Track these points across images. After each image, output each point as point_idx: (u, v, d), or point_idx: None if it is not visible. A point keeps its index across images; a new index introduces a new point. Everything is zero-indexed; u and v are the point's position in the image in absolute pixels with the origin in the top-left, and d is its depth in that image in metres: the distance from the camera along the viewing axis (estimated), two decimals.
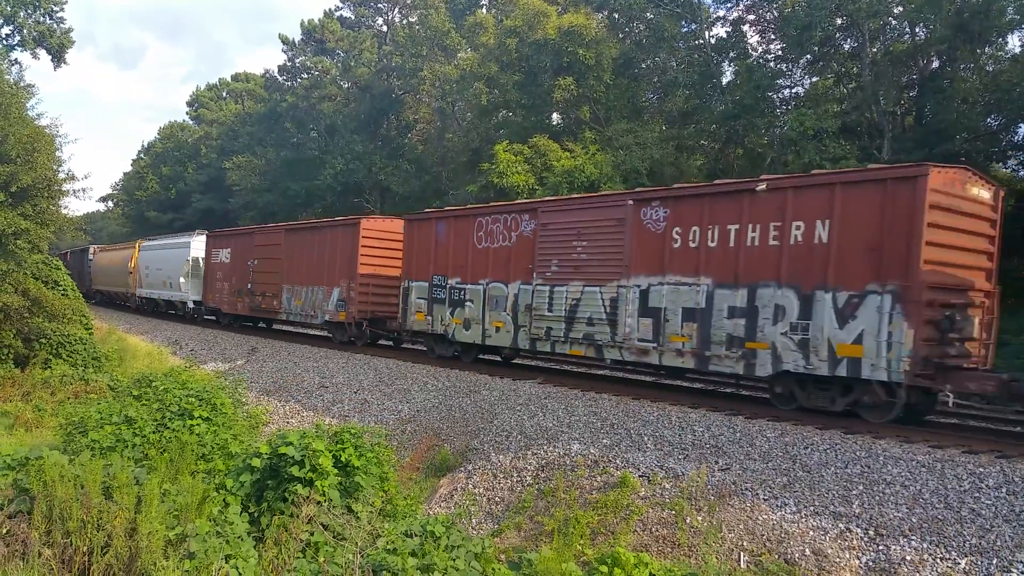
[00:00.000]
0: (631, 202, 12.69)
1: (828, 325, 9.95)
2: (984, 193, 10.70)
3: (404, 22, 44.86)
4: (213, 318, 28.11)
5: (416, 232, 17.35)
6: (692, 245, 11.60)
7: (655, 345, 12.04)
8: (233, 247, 25.91)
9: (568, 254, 13.62)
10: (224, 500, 7.11)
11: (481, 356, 16.71)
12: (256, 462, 7.54)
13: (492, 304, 15.10)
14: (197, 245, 28.75)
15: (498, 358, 17.00)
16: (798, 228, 10.35)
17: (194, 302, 28.78)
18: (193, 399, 9.86)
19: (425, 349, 17.98)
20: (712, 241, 11.33)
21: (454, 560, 6.60)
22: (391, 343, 20.23)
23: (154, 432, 9.18)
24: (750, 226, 10.88)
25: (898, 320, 9.34)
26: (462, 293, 15.84)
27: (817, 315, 10.05)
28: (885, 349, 9.45)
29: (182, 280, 29.24)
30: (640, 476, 9.15)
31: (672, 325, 11.78)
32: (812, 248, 10.18)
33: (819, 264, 10.10)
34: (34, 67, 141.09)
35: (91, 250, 42.97)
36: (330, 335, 21.38)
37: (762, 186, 10.79)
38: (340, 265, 19.89)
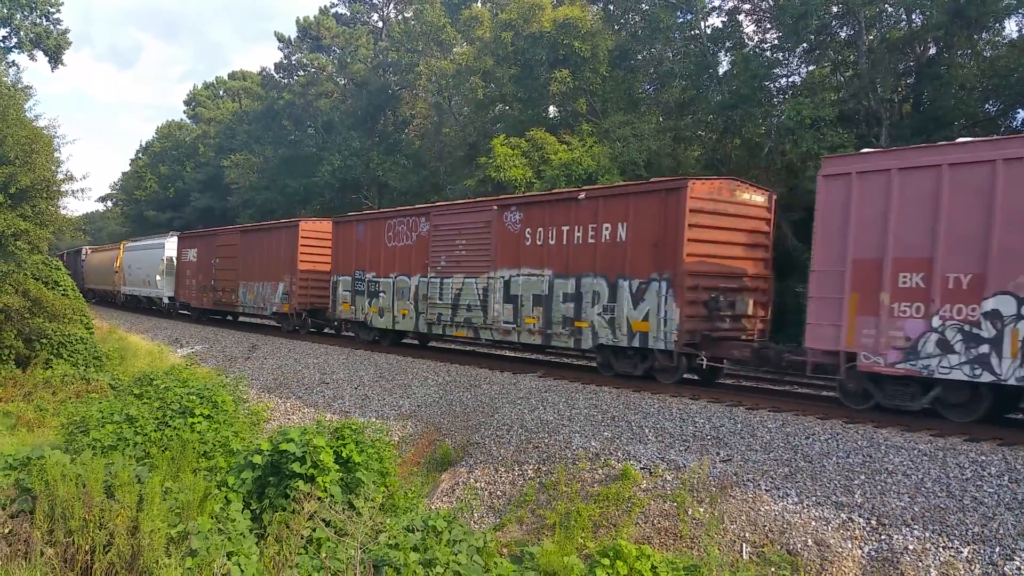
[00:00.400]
0: (496, 207, 15.21)
1: (626, 306, 12.52)
2: (757, 198, 13.00)
3: (399, 18, 44.68)
4: (187, 312, 30.40)
5: (342, 233, 19.95)
6: (539, 243, 14.14)
7: (514, 326, 14.56)
8: (199, 247, 28.56)
9: (453, 251, 16.10)
10: (226, 497, 7.11)
11: (404, 341, 19.34)
12: (257, 459, 7.54)
13: (399, 295, 17.70)
14: (170, 246, 31.40)
15: (416, 342, 19.50)
16: (607, 229, 12.95)
17: (168, 298, 31.48)
18: (194, 397, 9.86)
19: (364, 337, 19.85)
20: (552, 240, 13.90)
21: (456, 555, 6.61)
22: (333, 331, 22.30)
23: (155, 430, 9.19)
24: (576, 227, 13.46)
25: (670, 302, 11.87)
26: (377, 286, 18.49)
27: (620, 299, 12.62)
28: (663, 324, 11.98)
29: (158, 278, 32.02)
30: (641, 468, 9.15)
31: (526, 309, 14.35)
32: (616, 245, 12.75)
33: (620, 258, 12.65)
34: (31, 69, 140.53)
35: (83, 251, 45.14)
36: (279, 325, 23.70)
37: (583, 195, 13.48)
38: (284, 262, 22.57)
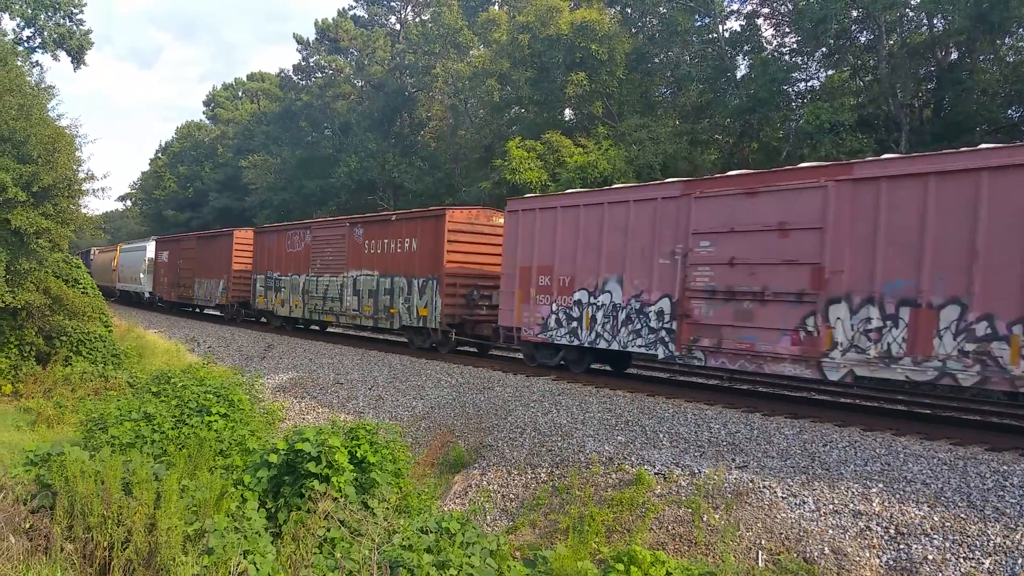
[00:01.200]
0: (348, 224, 20.37)
1: (416, 298, 17.46)
2: None
3: (417, 20, 44.85)
4: (161, 304, 35.77)
5: (260, 240, 25.23)
6: (373, 251, 19.11)
7: (358, 312, 19.54)
8: (170, 250, 34.07)
9: (324, 256, 21.21)
10: (242, 496, 7.14)
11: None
12: (273, 458, 7.57)
13: (293, 289, 22.79)
14: (151, 248, 37.00)
15: (317, 328, 23.98)
16: (408, 242, 17.93)
17: (149, 292, 37.05)
18: (211, 395, 9.95)
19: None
20: (379, 249, 18.90)
21: (469, 557, 6.60)
22: (265, 320, 26.38)
23: (173, 428, 9.27)
24: (391, 240, 18.46)
25: (437, 295, 16.76)
26: (280, 282, 23.61)
27: (412, 292, 17.57)
28: (434, 310, 16.85)
29: (142, 276, 37.62)
30: (656, 474, 9.09)
31: (364, 300, 19.28)
32: (412, 254, 17.72)
33: (413, 263, 17.61)
34: (54, 68, 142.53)
35: (92, 252, 49.73)
36: (222, 314, 29.15)
37: (394, 218, 18.65)
38: (224, 264, 27.88)
